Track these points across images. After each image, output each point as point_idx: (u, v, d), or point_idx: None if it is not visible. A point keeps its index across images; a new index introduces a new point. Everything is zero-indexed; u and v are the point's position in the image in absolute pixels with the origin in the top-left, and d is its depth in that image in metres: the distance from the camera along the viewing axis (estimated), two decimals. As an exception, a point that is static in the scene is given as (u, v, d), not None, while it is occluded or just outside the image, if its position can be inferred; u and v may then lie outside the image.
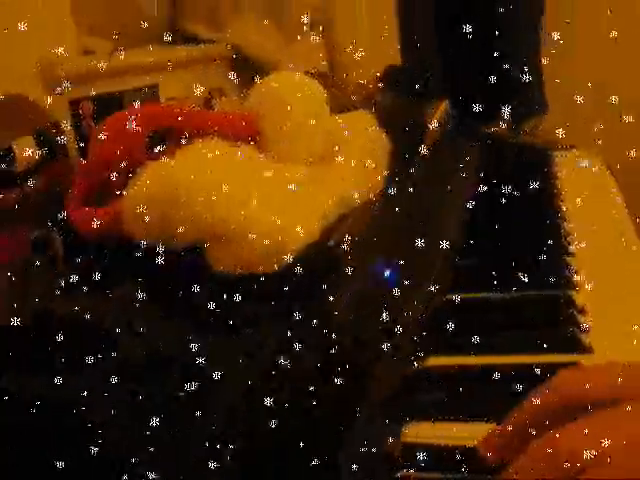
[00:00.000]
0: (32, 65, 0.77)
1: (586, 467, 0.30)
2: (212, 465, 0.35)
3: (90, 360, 0.41)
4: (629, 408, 0.32)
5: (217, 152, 0.52)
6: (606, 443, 0.31)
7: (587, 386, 0.34)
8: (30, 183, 0.61)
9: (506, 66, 1.31)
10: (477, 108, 0.76)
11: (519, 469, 0.33)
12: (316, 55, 1.12)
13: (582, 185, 0.99)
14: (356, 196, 0.62)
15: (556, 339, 0.57)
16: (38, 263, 0.55)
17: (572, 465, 0.31)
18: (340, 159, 0.62)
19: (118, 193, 0.52)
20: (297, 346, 0.45)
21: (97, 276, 0.50)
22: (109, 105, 0.82)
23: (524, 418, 0.36)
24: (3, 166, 0.60)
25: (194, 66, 1.03)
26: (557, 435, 0.32)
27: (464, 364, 0.55)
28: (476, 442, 0.39)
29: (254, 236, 0.48)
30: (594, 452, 0.31)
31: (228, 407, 0.39)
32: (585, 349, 0.55)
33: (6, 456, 0.36)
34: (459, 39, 1.22)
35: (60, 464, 0.35)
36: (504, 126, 1.32)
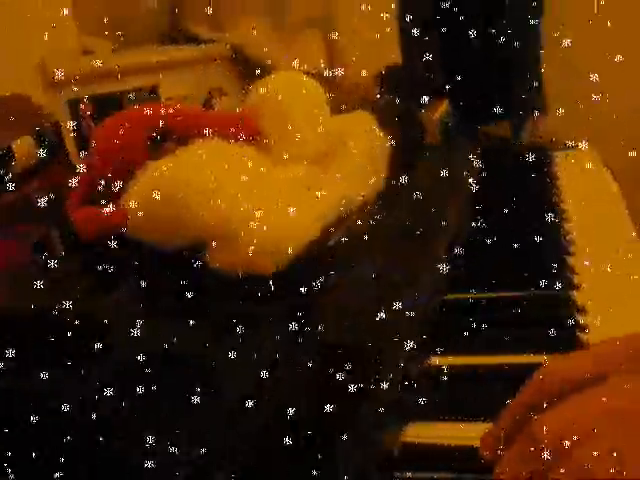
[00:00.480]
0: (32, 65, 0.77)
1: (571, 447, 0.30)
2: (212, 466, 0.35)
3: (89, 360, 0.41)
4: (609, 383, 0.32)
5: (217, 152, 0.52)
6: (579, 421, 0.31)
7: (567, 372, 0.35)
8: (30, 183, 0.61)
9: (507, 66, 1.32)
10: (477, 108, 0.76)
11: (505, 465, 0.33)
12: (316, 55, 1.12)
13: (582, 185, 1.00)
14: (356, 196, 0.62)
15: (556, 339, 0.57)
16: (38, 263, 0.55)
17: (554, 448, 0.31)
18: (340, 159, 0.62)
19: (118, 193, 0.52)
20: (296, 346, 0.45)
21: (97, 276, 0.50)
22: (109, 105, 0.82)
23: (513, 415, 0.36)
24: (3, 166, 0.60)
25: (194, 66, 1.03)
26: (533, 424, 0.32)
27: (464, 364, 0.55)
28: (476, 442, 0.39)
29: (254, 236, 0.48)
30: (575, 430, 0.31)
31: (227, 407, 0.39)
32: (585, 349, 0.55)
33: (7, 455, 0.36)
34: (460, 39, 1.22)
35: (61, 462, 0.35)
36: (504, 126, 1.32)
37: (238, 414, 0.39)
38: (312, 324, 0.47)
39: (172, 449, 0.35)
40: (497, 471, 0.34)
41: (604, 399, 0.32)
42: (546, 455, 0.31)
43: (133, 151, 0.54)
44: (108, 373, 0.40)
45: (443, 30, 1.26)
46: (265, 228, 0.49)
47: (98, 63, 0.87)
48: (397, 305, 0.56)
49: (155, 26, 1.10)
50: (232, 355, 0.42)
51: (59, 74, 0.78)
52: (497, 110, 1.18)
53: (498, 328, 0.60)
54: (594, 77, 0.67)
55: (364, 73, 1.07)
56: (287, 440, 0.39)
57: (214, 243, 0.49)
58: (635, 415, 0.31)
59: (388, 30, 1.20)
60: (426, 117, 0.98)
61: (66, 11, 0.83)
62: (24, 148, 0.62)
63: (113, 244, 0.51)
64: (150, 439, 0.35)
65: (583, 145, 1.13)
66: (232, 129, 0.57)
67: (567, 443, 0.31)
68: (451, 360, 0.56)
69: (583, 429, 0.31)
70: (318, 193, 0.56)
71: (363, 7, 1.09)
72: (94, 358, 0.41)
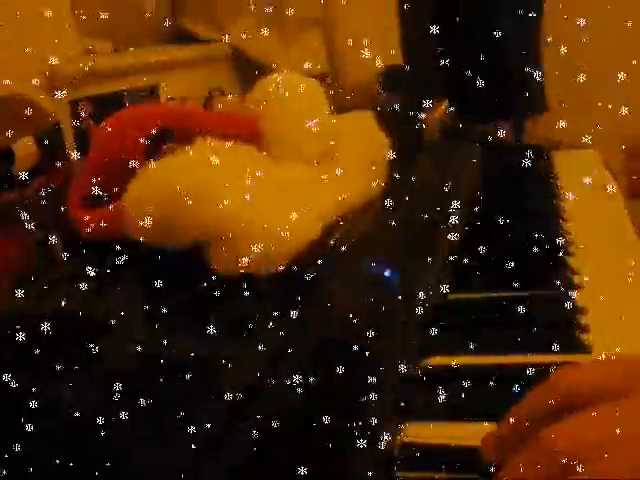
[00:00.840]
0: (32, 65, 0.77)
1: (582, 462, 0.30)
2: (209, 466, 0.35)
3: (88, 360, 0.41)
4: (627, 401, 0.32)
5: (217, 152, 0.52)
6: (600, 437, 0.30)
7: (585, 382, 0.34)
8: (30, 183, 0.61)
9: (507, 66, 1.32)
10: (477, 107, 0.76)
11: (513, 468, 0.33)
12: (316, 55, 1.12)
13: (582, 185, 0.99)
14: (356, 196, 0.62)
15: (556, 339, 0.57)
16: (38, 263, 0.55)
17: (567, 461, 0.31)
18: (340, 159, 0.62)
19: (118, 193, 0.52)
20: (296, 346, 0.45)
21: (97, 276, 0.50)
22: (109, 105, 0.82)
23: (522, 417, 0.35)
24: (3, 166, 0.60)
25: (194, 66, 1.03)
26: (550, 432, 0.32)
27: (464, 364, 0.55)
28: (476, 442, 0.39)
29: (254, 236, 0.48)
30: (589, 446, 0.30)
31: (226, 407, 0.39)
32: (585, 349, 0.55)
33: (5, 455, 0.36)
34: (460, 39, 1.22)
35: (60, 462, 0.35)
36: (504, 125, 1.32)
37: (237, 414, 0.39)
38: (312, 324, 0.47)
39: (171, 449, 0.35)
40: (502, 474, 0.33)
41: (625, 418, 0.31)
42: (560, 465, 0.31)
43: (133, 151, 0.54)
44: (107, 373, 0.40)
45: (443, 30, 1.26)
46: (265, 228, 0.49)
47: (98, 63, 0.87)
48: (397, 305, 0.56)
49: (155, 26, 1.10)
50: (231, 355, 0.42)
51: (59, 74, 0.78)
52: (497, 110, 1.18)
53: (498, 328, 0.60)
54: (594, 77, 0.67)
55: (364, 73, 1.07)
56: (286, 440, 0.39)
57: (214, 243, 0.49)
58: None
59: (388, 30, 1.20)
60: (426, 117, 0.98)
61: (66, 11, 0.83)
62: (24, 148, 0.62)
63: (113, 244, 0.51)
64: (149, 439, 0.35)
65: (584, 144, 1.13)
66: (232, 129, 0.57)
67: (584, 456, 0.30)
68: (451, 360, 0.56)
69: (602, 443, 0.30)
70: (318, 193, 0.56)
71: (363, 7, 1.09)
72: (93, 358, 0.41)
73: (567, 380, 0.35)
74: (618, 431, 0.30)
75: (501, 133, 1.25)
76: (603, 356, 0.38)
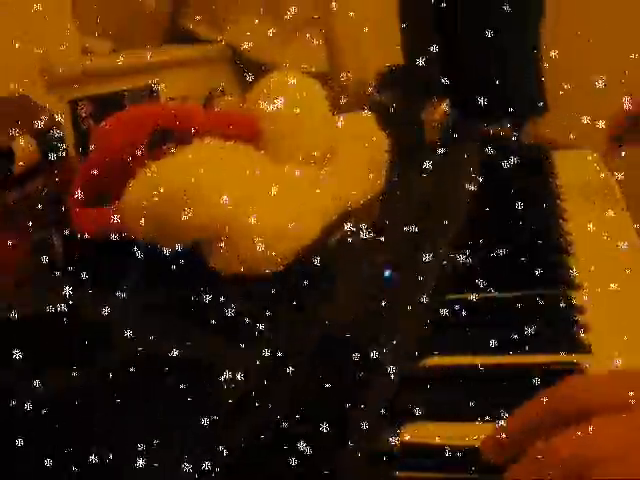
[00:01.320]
0: (32, 65, 0.77)
1: (586, 472, 0.30)
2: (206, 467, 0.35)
3: (88, 359, 0.41)
4: (633, 414, 0.32)
5: (217, 152, 0.52)
6: (606, 447, 0.31)
7: (591, 393, 0.34)
8: (30, 183, 0.61)
9: (507, 66, 1.32)
10: (478, 108, 0.76)
11: (519, 471, 0.33)
12: (316, 55, 1.12)
13: (582, 185, 1.00)
14: (356, 196, 0.62)
15: (556, 339, 0.57)
16: (38, 263, 0.55)
17: (571, 469, 0.31)
18: (340, 159, 0.62)
19: (118, 193, 0.52)
20: (295, 345, 0.45)
21: (97, 276, 0.50)
22: (109, 105, 0.82)
23: (527, 420, 0.35)
24: (3, 166, 0.60)
25: (194, 66, 1.04)
26: (558, 439, 0.32)
27: (464, 364, 0.55)
28: (476, 442, 0.39)
29: (254, 236, 0.48)
30: (593, 457, 0.30)
31: (225, 408, 0.39)
32: (585, 349, 0.55)
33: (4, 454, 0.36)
34: (460, 39, 1.22)
35: (58, 461, 0.35)
36: (504, 126, 1.32)
37: (234, 415, 0.39)
38: (312, 324, 0.47)
39: (170, 450, 0.35)
40: (511, 473, 0.33)
41: (629, 431, 0.31)
42: (564, 474, 0.31)
43: (133, 151, 0.54)
44: (106, 373, 0.40)
45: (444, 30, 1.26)
46: (265, 228, 0.49)
47: (98, 63, 0.87)
48: (397, 305, 0.56)
49: (155, 26, 1.10)
50: (232, 355, 0.42)
51: (59, 74, 0.79)
52: (497, 110, 1.18)
53: (498, 328, 0.60)
54: (594, 77, 0.67)
55: (364, 73, 1.07)
56: (285, 440, 0.39)
57: (214, 243, 0.49)
58: None
59: (388, 30, 1.20)
60: (426, 117, 0.98)
61: (66, 11, 0.83)
62: (24, 148, 0.62)
63: (113, 244, 0.51)
64: (147, 440, 0.35)
65: (583, 144, 1.13)
66: (231, 129, 0.57)
67: (588, 466, 0.30)
68: (451, 360, 0.56)
69: (608, 454, 0.31)
70: (318, 193, 0.56)
71: (363, 7, 1.09)
72: (93, 358, 0.41)
73: (575, 391, 0.35)
74: (623, 443, 0.31)
75: (501, 133, 1.25)
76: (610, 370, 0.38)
